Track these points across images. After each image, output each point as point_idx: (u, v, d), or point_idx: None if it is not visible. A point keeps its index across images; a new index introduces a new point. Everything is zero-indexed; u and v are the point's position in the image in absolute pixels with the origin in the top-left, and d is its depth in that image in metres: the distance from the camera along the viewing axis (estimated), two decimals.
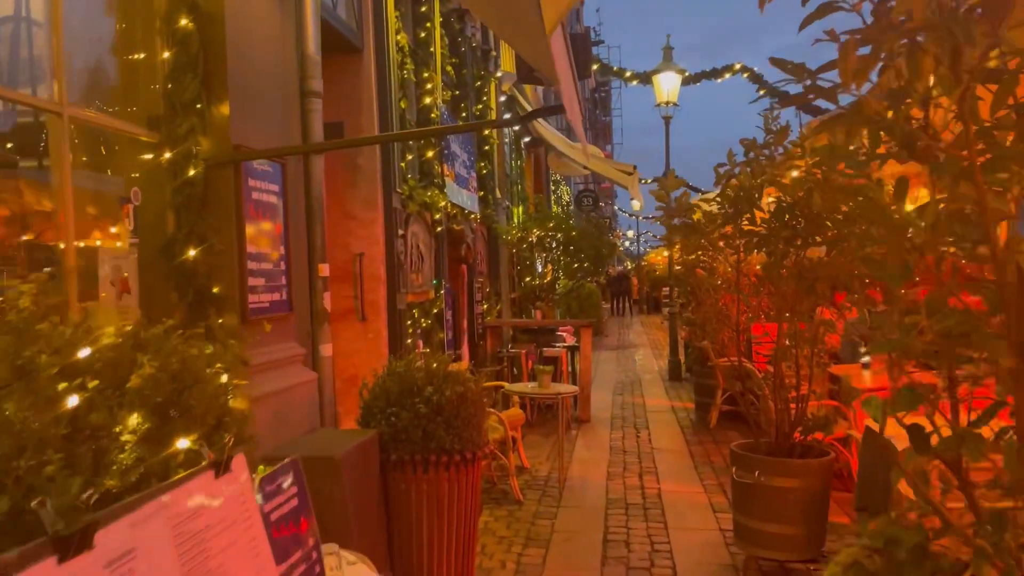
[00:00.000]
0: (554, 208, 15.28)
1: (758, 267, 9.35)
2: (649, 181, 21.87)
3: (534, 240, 10.76)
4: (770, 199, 5.11)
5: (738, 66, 16.05)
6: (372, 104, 5.94)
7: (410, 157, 6.63)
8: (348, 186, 5.97)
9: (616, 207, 54.45)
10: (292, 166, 4.15)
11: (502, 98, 11.42)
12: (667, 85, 13.64)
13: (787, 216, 4.87)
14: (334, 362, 4.59)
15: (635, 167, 11.68)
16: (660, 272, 40.46)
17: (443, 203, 7.66)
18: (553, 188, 21.23)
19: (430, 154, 7.49)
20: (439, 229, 7.69)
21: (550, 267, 10.79)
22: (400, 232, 6.16)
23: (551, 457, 7.78)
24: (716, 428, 9.27)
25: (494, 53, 10.89)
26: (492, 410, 6.45)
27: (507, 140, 13.13)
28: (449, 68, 8.36)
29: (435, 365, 4.17)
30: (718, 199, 5.24)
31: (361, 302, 5.93)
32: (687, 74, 14.71)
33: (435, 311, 7.43)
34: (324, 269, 4.30)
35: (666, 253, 37.49)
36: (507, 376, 9.09)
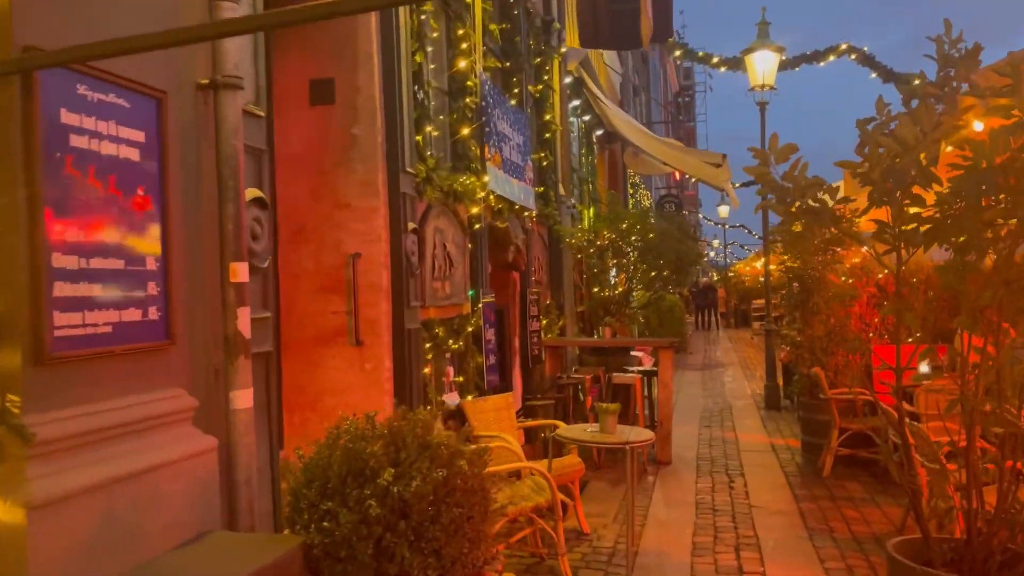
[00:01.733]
0: (630, 206, 13.51)
1: (927, 269, 7.47)
2: (738, 186, 19.81)
3: (604, 244, 9.07)
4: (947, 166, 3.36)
5: (844, 46, 13.95)
6: (373, 56, 4.43)
7: (431, 130, 5.09)
8: (338, 164, 4.47)
9: (701, 215, 51.98)
10: (181, 102, 2.63)
11: (567, 79, 9.79)
12: (762, 66, 11.74)
13: (984, 188, 3.09)
14: (279, 410, 3.06)
15: (725, 156, 9.84)
16: (749, 283, 37.90)
17: (482, 193, 6.09)
18: (631, 191, 19.43)
19: (466, 131, 5.94)
20: (477, 226, 6.12)
21: (623, 276, 9.07)
22: (412, 226, 4.61)
23: (619, 517, 6.07)
24: (831, 477, 7.36)
25: (557, 25, 9.28)
26: (535, 467, 4.82)
27: (574, 131, 11.49)
28: (494, 28, 6.79)
29: (411, 426, 2.58)
30: (861, 170, 3.50)
31: (355, 319, 4.40)
32: (784, 56, 12.78)
33: (469, 329, 5.85)
34: (239, 271, 2.76)
35: (758, 263, 34.96)
36: (567, 409, 7.42)
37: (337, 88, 4.45)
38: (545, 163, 9.11)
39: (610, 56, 16.57)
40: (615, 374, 8.12)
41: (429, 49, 5.92)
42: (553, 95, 9.34)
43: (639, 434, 5.28)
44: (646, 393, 9.34)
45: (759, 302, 30.24)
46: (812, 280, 8.14)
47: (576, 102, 11.10)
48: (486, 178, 6.19)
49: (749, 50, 11.65)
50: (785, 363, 11.68)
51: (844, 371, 8.22)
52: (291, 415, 4.50)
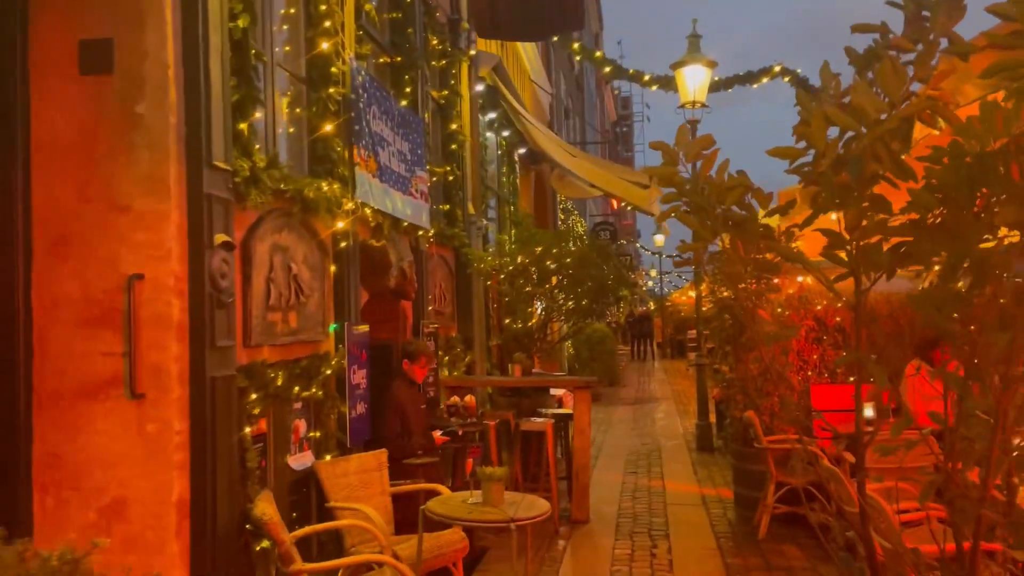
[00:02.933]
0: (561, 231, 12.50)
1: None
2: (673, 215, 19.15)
3: (517, 269, 8.04)
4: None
5: (777, 68, 13.37)
6: (165, 11, 3.31)
7: (259, 115, 3.97)
8: (116, 152, 3.32)
9: (639, 244, 51.77)
10: None
11: (479, 87, 8.81)
12: (693, 81, 10.97)
13: (973, 185, 2.13)
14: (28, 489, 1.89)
15: (652, 177, 8.97)
16: (685, 313, 37.49)
17: (350, 205, 4.98)
18: (562, 217, 18.56)
19: (328, 127, 4.84)
20: (344, 244, 5.00)
21: (536, 305, 8.04)
22: (222, 239, 3.46)
23: None
24: (767, 539, 6.39)
25: (466, 25, 8.30)
26: (387, 560, 3.69)
27: (491, 146, 10.51)
28: (371, 10, 5.74)
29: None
30: (802, 159, 2.53)
31: (132, 364, 3.23)
32: (716, 77, 12.09)
33: (328, 372, 4.70)
34: None
35: (692, 293, 34.56)
36: (449, 468, 6.29)
37: (116, 52, 3.31)
38: (451, 178, 8.06)
39: (539, 75, 15.73)
40: (524, 420, 7.04)
41: (285, 28, 4.83)
42: (461, 103, 8.33)
43: (531, 506, 4.18)
44: (561, 447, 8.29)
45: (694, 332, 29.74)
46: (744, 313, 7.24)
47: (492, 115, 10.12)
48: (359, 187, 5.09)
49: (679, 64, 10.88)
50: (717, 400, 10.82)
51: (781, 414, 7.32)
52: (44, 496, 3.28)
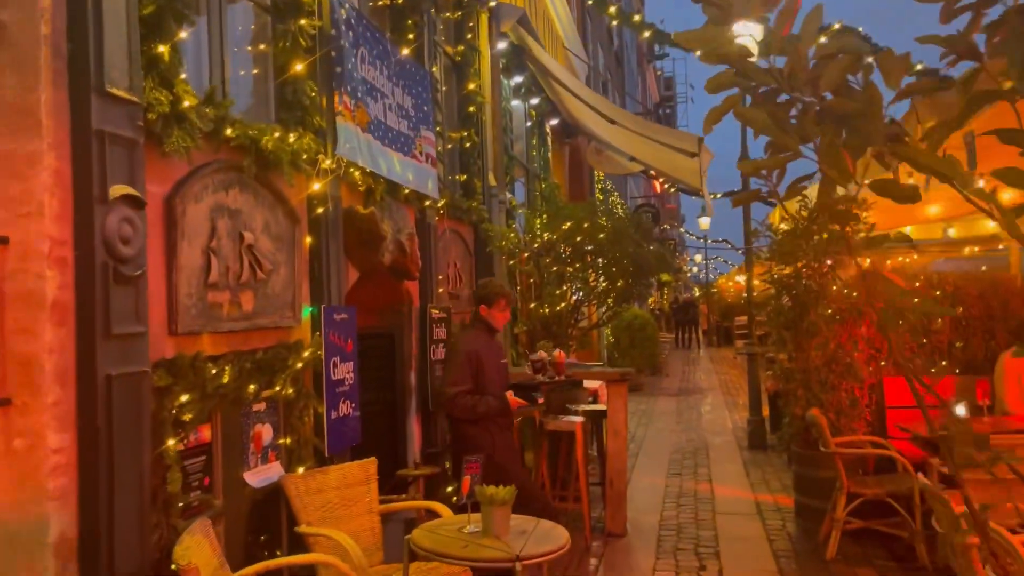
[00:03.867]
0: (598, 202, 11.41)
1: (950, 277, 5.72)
2: (718, 196, 17.98)
3: (542, 247, 7.11)
4: None
5: (837, 26, 12.14)
6: None
7: (184, 35, 3.08)
8: None
9: (683, 229, 50.26)
10: None
11: (501, 44, 7.86)
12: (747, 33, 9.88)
13: None
14: None
15: (702, 140, 7.92)
16: (731, 299, 36.08)
17: (327, 163, 4.10)
18: (600, 198, 17.51)
19: (299, 67, 3.96)
20: (320, 210, 4.13)
21: (568, 287, 7.09)
22: (121, 192, 2.60)
23: None
24: (837, 560, 5.39)
25: None
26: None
27: (519, 114, 9.56)
28: None
29: None
30: None
31: None
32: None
33: (299, 365, 3.84)
34: None
35: (740, 278, 33.14)
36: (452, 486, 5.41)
37: None
38: (468, 144, 7.15)
39: (573, 43, 14.69)
40: (550, 418, 6.12)
41: None
42: (479, 60, 7.40)
43: (544, 538, 3.27)
44: (596, 449, 7.35)
45: (742, 319, 28.39)
46: (808, 293, 6.20)
47: (519, 79, 9.17)
48: (342, 141, 4.21)
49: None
50: (772, 393, 9.76)
51: (850, 412, 6.28)
52: None
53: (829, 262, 6.37)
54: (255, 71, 4.03)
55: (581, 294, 7.43)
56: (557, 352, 6.21)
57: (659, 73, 52.64)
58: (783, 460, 8.73)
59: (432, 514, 3.98)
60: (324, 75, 4.20)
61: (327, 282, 4.16)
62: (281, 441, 3.87)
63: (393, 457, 5.60)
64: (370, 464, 4.13)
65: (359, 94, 4.46)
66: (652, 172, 31.19)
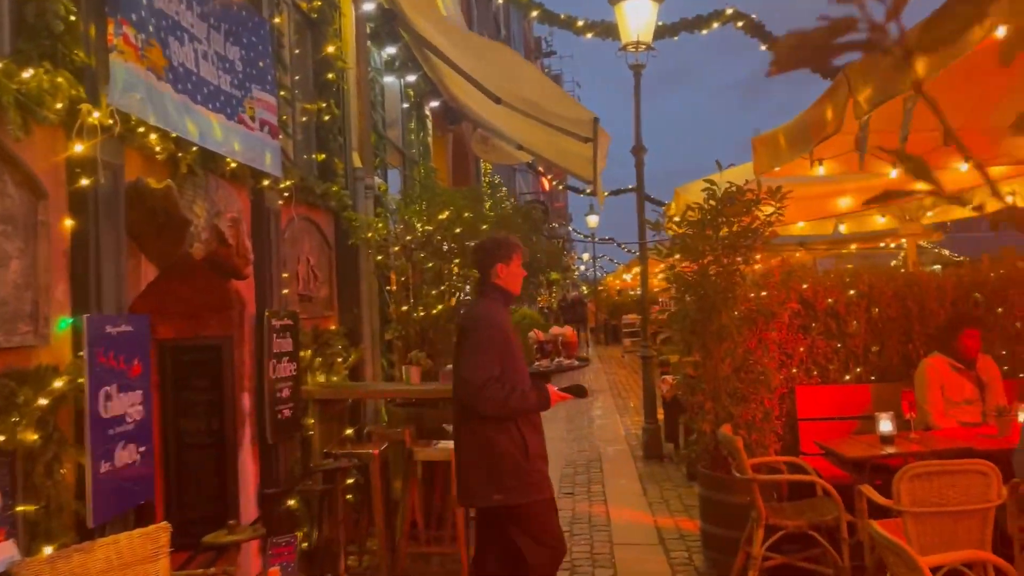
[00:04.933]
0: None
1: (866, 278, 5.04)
2: (607, 194, 17.39)
3: (416, 240, 6.08)
4: None
5: (730, 11, 11.68)
6: None
7: None
8: None
9: (571, 227, 50.22)
10: None
11: (368, 5, 6.76)
12: (637, 18, 9.20)
13: None
14: None
15: (597, 120, 7.08)
16: (620, 298, 36.06)
17: (94, 116, 2.93)
18: (487, 192, 16.55)
19: None
20: (85, 182, 2.95)
21: (447, 287, 6.07)
22: None
23: None
24: None
25: None
26: None
27: (385, 83, 8.48)
28: None
29: None
30: None
31: None
32: (660, 22, 10.32)
33: (40, 401, 2.66)
34: None
35: (628, 276, 33.11)
36: (316, 517, 4.33)
37: None
38: (327, 118, 6.03)
39: (457, 21, 13.67)
40: (421, 444, 5.09)
41: None
42: (340, 20, 6.29)
43: None
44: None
45: (631, 317, 28.21)
46: (716, 292, 5.45)
47: (392, 49, 8.09)
48: (118, 87, 3.04)
49: None
50: (668, 399, 9.10)
51: (761, 426, 5.58)
52: None
53: (740, 258, 5.66)
54: None
55: (461, 295, 6.45)
56: (567, 330, 5.20)
57: (546, 71, 52.46)
58: (681, 473, 8.06)
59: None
60: None
61: (97, 283, 2.99)
62: (19, 510, 2.69)
63: (222, 503, 4.45)
64: (160, 533, 2.98)
65: (151, 28, 3.30)
66: (541, 168, 30.69)
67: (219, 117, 3.94)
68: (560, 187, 36.13)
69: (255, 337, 4.57)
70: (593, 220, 34.24)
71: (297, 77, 5.84)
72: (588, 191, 25.78)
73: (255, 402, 4.55)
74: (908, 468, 3.85)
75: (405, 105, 9.57)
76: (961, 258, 16.10)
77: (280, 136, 4.91)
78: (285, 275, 4.95)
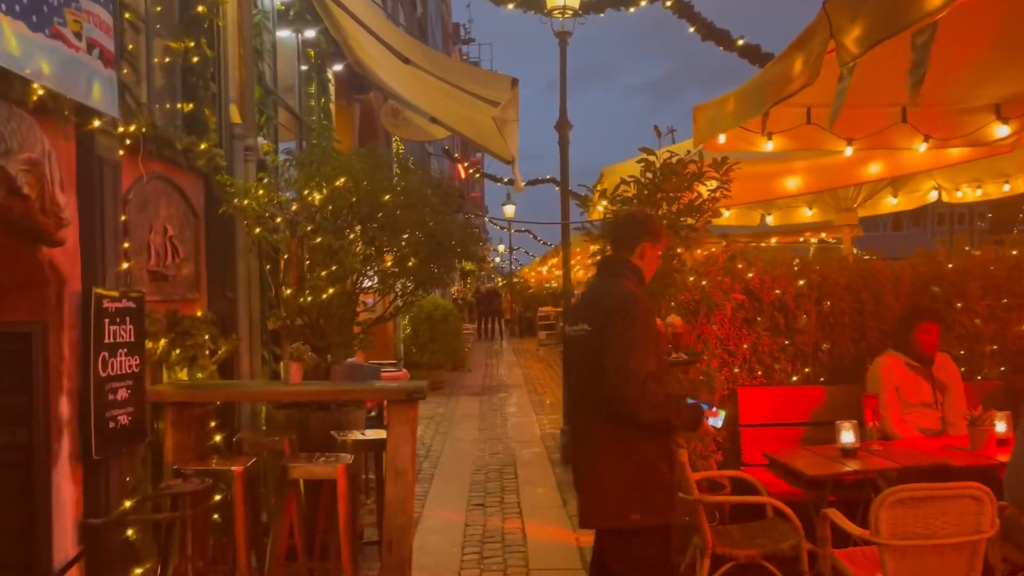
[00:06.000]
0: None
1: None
2: (523, 185, 16.64)
3: (301, 211, 5.11)
4: None
5: None
6: None
7: None
8: None
9: (487, 219, 49.43)
10: None
11: None
12: None
13: None
14: None
15: (515, 83, 6.28)
16: (534, 290, 35.51)
17: None
18: (397, 174, 15.48)
19: None
20: None
21: (337, 268, 5.11)
22: None
23: None
24: None
25: None
26: None
27: (279, 38, 7.43)
28: None
29: None
30: None
31: None
32: None
33: None
34: None
35: (543, 268, 32.56)
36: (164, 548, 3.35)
37: None
38: (195, 59, 4.97)
39: None
40: (297, 460, 4.14)
41: None
42: None
43: None
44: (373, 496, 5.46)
45: (547, 309, 27.61)
46: (654, 279, 4.69)
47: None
48: None
49: None
50: None
51: (703, 435, 4.89)
52: None
53: (679, 241, 4.93)
54: None
55: (361, 278, 5.50)
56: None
57: (464, 58, 51.47)
58: None
59: None
60: None
61: None
62: None
63: (29, 538, 3.41)
64: None
65: None
66: (457, 155, 29.48)
67: (17, 24, 2.89)
68: (476, 175, 35.22)
69: (81, 323, 3.52)
70: (510, 210, 33.46)
71: (158, 8, 4.77)
72: (506, 180, 25.02)
73: (77, 407, 3.51)
74: (890, 492, 3.17)
75: (304, 67, 8.50)
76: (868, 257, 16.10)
77: (123, 70, 3.87)
78: (126, 244, 3.91)
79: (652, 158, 4.87)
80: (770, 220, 10.29)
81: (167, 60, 4.89)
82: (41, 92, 3.11)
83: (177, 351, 4.50)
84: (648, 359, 3.03)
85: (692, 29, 11.41)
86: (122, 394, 3.71)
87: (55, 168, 3.05)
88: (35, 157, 2.86)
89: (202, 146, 4.92)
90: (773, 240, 13.13)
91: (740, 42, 10.97)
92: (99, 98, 3.44)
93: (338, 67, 9.25)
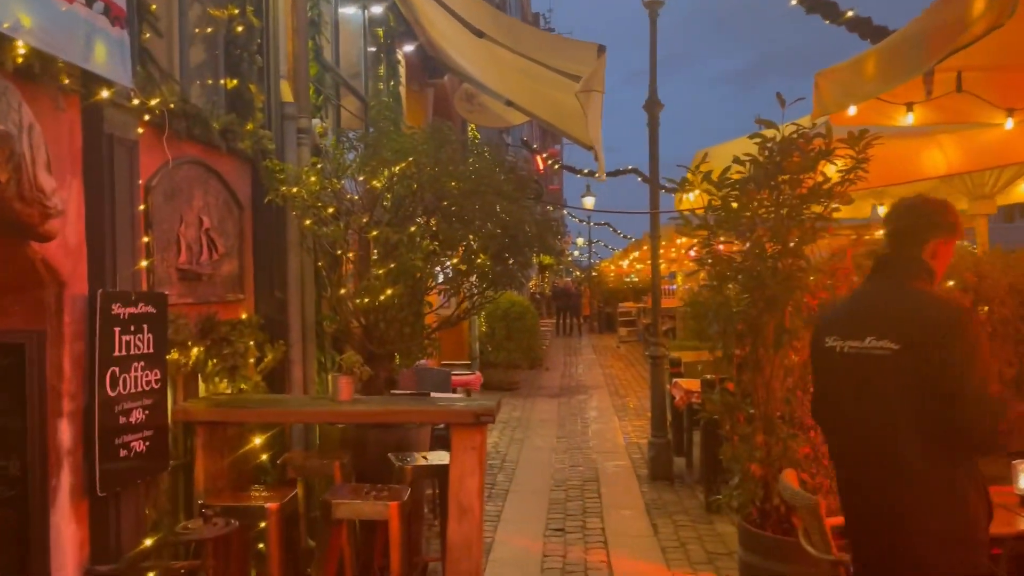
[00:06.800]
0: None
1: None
2: (605, 177, 15.78)
3: (362, 200, 4.47)
4: None
5: None
6: None
7: None
8: None
9: (566, 211, 48.52)
10: None
11: None
12: None
13: None
14: None
15: (602, 49, 5.52)
16: (613, 284, 34.47)
17: None
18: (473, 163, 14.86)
19: None
20: None
21: (394, 264, 4.45)
22: None
23: None
24: None
25: None
26: None
27: (343, 15, 6.84)
28: None
29: None
30: None
31: None
32: None
33: None
34: None
35: (624, 263, 31.50)
36: None
37: None
38: (240, 29, 4.40)
39: None
40: (344, 495, 3.51)
41: None
42: None
43: None
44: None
45: (628, 305, 26.63)
46: (778, 281, 3.86)
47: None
48: None
49: None
50: (682, 407, 7.55)
51: (815, 468, 4.02)
52: None
53: (797, 235, 4.08)
54: None
55: (428, 279, 4.84)
56: None
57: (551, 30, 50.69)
58: (697, 501, 6.54)
59: None
60: None
61: None
62: None
63: None
64: None
65: None
66: (535, 147, 28.70)
67: None
68: (556, 167, 34.40)
69: (87, 333, 2.96)
70: (589, 202, 32.49)
71: None
72: (586, 171, 24.13)
73: (81, 432, 2.94)
74: None
75: (372, 49, 7.93)
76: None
77: (143, 33, 3.29)
78: (146, 239, 3.33)
79: (773, 131, 4.02)
80: (882, 211, 9.17)
81: (209, 30, 4.33)
82: (24, 51, 2.53)
83: (213, 361, 3.93)
84: (984, 373, 2.46)
85: (794, 2, 10.34)
86: (137, 416, 3.13)
87: (39, 145, 2.47)
88: (3, 129, 2.27)
89: (247, 127, 4.34)
90: (878, 233, 11.90)
91: (849, 13, 9.86)
92: (103, 62, 2.86)
93: (409, 48, 8.67)
